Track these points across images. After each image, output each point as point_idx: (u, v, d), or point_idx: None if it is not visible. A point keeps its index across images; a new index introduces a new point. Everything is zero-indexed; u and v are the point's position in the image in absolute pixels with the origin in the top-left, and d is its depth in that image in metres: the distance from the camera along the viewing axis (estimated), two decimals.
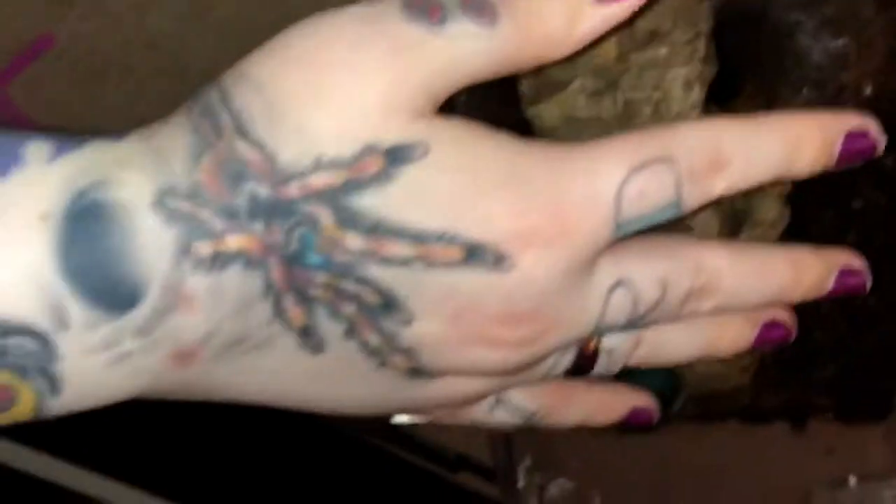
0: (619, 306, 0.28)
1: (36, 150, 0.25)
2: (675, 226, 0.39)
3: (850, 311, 0.48)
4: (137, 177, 0.25)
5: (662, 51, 0.35)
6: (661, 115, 0.37)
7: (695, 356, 0.31)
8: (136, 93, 0.55)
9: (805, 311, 0.49)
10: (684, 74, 0.36)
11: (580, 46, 0.28)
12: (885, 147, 0.29)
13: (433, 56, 0.26)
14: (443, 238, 0.25)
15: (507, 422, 0.31)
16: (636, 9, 0.27)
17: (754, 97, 0.41)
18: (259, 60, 0.26)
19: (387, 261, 0.25)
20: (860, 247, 0.47)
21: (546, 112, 0.37)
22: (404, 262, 0.25)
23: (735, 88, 0.42)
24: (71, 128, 0.56)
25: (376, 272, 0.25)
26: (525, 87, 0.38)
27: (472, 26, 0.26)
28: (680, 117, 0.37)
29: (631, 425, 0.33)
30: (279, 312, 0.25)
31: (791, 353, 0.51)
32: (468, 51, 0.26)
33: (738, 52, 0.40)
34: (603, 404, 0.32)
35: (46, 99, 0.54)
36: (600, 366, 0.30)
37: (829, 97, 0.40)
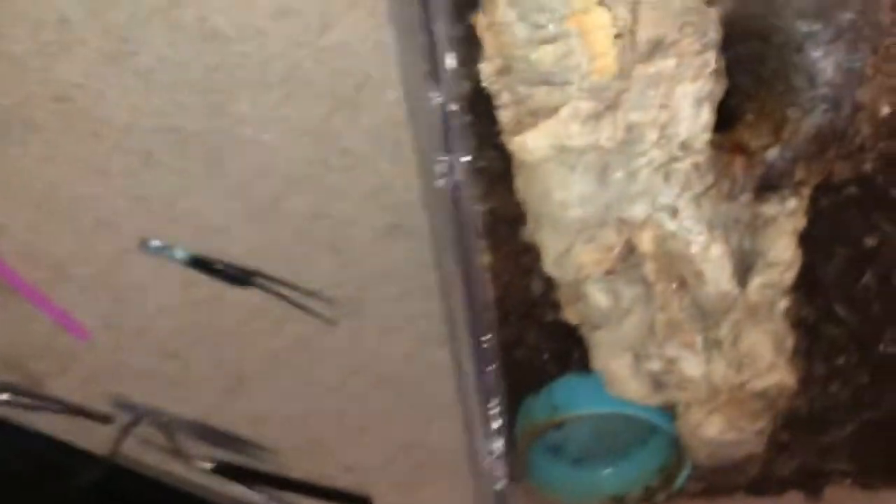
0: None
1: None
2: (685, 266, 0.33)
3: (869, 362, 0.43)
4: None
5: (669, 62, 0.30)
6: (667, 140, 0.31)
7: None
8: (46, 154, 0.49)
9: (822, 362, 0.44)
10: (694, 91, 0.31)
11: None
12: None
13: None
14: None
15: None
16: None
17: (757, 124, 0.36)
18: None
19: None
20: (877, 287, 0.42)
21: (533, 142, 0.31)
22: None
23: (734, 113, 0.37)
24: None
25: None
26: (504, 115, 0.32)
27: None
28: (688, 144, 0.32)
29: None
30: None
31: (806, 411, 0.45)
32: None
33: (739, 70, 0.35)
34: None
35: None
36: None
37: (843, 120, 0.36)
